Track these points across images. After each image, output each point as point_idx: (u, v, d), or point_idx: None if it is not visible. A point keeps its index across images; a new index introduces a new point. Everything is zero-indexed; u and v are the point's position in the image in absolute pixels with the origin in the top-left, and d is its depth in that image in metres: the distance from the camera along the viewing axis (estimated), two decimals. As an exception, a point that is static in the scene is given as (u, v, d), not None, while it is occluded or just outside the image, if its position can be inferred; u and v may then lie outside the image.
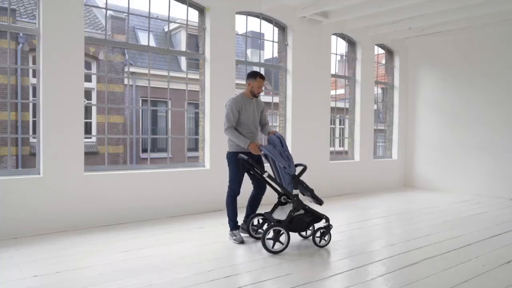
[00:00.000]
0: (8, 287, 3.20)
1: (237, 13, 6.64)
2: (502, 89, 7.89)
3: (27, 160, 12.90)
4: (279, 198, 4.55)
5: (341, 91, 16.37)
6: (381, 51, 9.48)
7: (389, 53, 9.46)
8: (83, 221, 5.05)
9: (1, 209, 4.54)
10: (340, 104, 10.46)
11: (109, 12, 13.86)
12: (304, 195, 4.48)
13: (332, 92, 12.82)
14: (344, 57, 9.10)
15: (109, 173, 5.45)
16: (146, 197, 5.60)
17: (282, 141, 4.29)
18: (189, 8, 6.29)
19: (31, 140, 13.04)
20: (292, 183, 4.26)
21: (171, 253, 4.09)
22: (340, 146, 10.37)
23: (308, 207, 4.34)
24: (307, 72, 7.54)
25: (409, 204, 7.26)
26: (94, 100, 14.42)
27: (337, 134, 16.15)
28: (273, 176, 4.47)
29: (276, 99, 8.20)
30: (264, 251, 4.12)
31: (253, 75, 4.53)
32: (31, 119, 12.82)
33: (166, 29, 17.50)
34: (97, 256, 3.96)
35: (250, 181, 4.67)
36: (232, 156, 4.48)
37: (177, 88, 15.41)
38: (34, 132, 5.52)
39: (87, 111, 13.94)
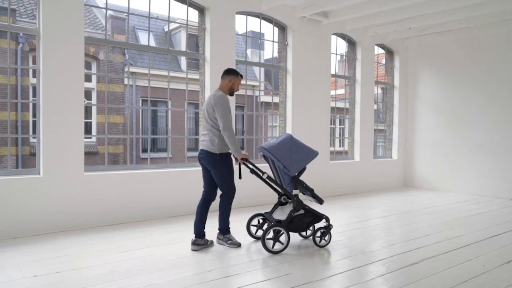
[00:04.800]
0: (8, 287, 3.20)
1: (237, 13, 6.64)
2: (502, 89, 7.89)
3: (27, 160, 12.91)
4: (279, 198, 4.55)
5: (341, 91, 16.38)
6: (381, 51, 9.48)
7: (389, 53, 9.46)
8: (83, 221, 5.06)
9: (1, 209, 4.54)
10: (340, 104, 10.46)
11: (109, 12, 13.89)
12: (304, 194, 4.49)
13: (332, 92, 12.83)
14: (344, 57, 9.10)
15: (109, 173, 5.45)
16: (146, 197, 5.60)
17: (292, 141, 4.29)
18: (189, 8, 6.29)
19: (31, 140, 13.04)
20: (292, 183, 4.27)
21: (171, 253, 4.09)
22: (340, 146, 10.38)
23: (308, 207, 4.34)
24: (307, 72, 7.54)
25: (409, 204, 7.26)
26: (94, 100, 14.43)
27: (337, 134, 16.17)
28: (273, 177, 4.47)
29: (276, 99, 8.20)
30: (264, 251, 4.13)
31: (235, 73, 4.37)
32: (31, 119, 12.83)
33: (166, 29, 17.50)
34: (97, 256, 3.95)
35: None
36: (227, 157, 4.27)
37: (177, 88, 15.44)
38: (34, 132, 5.52)
39: (87, 111, 13.94)
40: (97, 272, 3.52)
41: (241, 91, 5.55)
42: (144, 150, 15.96)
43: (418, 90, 9.33)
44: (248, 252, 4.23)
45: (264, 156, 4.48)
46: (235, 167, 4.33)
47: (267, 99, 19.16)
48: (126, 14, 6.19)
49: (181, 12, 37.51)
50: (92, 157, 13.72)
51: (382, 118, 15.57)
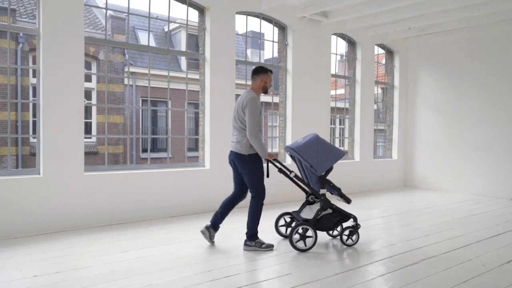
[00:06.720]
0: (8, 287, 3.20)
1: (237, 13, 6.64)
2: (502, 89, 7.89)
3: (27, 160, 12.91)
4: (307, 197, 4.61)
5: (341, 91, 16.39)
6: (381, 51, 9.48)
7: (389, 53, 9.46)
8: (83, 221, 5.05)
9: (1, 209, 4.54)
10: (340, 104, 10.46)
11: (109, 12, 13.89)
12: (332, 194, 4.53)
13: (332, 92, 12.83)
14: (344, 57, 9.10)
15: (109, 173, 5.44)
16: (146, 197, 5.60)
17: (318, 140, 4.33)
18: (189, 8, 6.29)
19: (31, 140, 13.04)
20: (319, 183, 4.31)
21: (171, 253, 4.09)
22: (340, 146, 10.39)
23: (336, 206, 4.39)
24: (307, 72, 7.54)
25: (409, 204, 7.26)
26: (94, 100, 14.43)
27: (337, 134, 16.17)
28: (300, 176, 4.51)
29: (276, 99, 8.20)
30: (262, 251, 4.14)
31: (265, 70, 4.31)
32: (31, 119, 12.83)
33: (166, 29, 17.51)
34: (97, 256, 3.95)
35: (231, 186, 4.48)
36: (256, 158, 4.18)
37: (177, 88, 15.44)
38: (34, 132, 5.52)
39: (87, 111, 13.94)
40: (97, 272, 3.52)
41: (241, 91, 5.54)
42: (144, 150, 15.96)
43: (418, 90, 9.33)
44: (248, 252, 4.22)
45: (291, 156, 4.53)
46: (264, 165, 4.34)
47: (267, 99, 19.13)
48: (126, 14, 6.19)
49: (181, 12, 37.53)
50: (92, 157, 13.72)
51: (382, 118, 15.58)
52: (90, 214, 5.12)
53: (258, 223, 4.25)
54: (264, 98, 19.94)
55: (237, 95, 6.84)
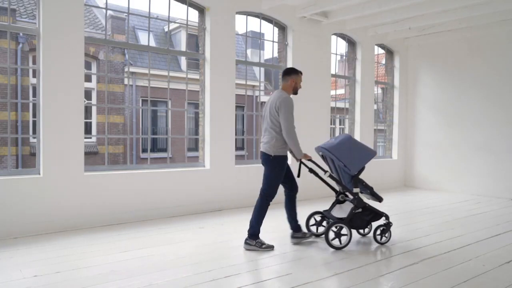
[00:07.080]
0: (8, 287, 3.20)
1: (237, 13, 6.64)
2: (502, 89, 7.89)
3: (27, 160, 12.91)
4: (337, 196, 4.67)
5: (341, 91, 16.38)
6: (381, 51, 9.48)
7: (389, 53, 9.46)
8: (83, 221, 5.05)
9: (1, 209, 4.54)
10: (340, 104, 10.46)
11: (109, 12, 13.89)
12: (362, 193, 4.59)
13: (332, 92, 12.83)
14: (344, 57, 9.10)
15: (109, 173, 5.45)
16: (146, 197, 5.60)
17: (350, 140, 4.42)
18: (189, 8, 6.29)
19: (31, 140, 13.05)
20: (352, 182, 4.37)
21: (171, 253, 4.09)
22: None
23: (368, 204, 4.45)
24: (307, 72, 7.50)
25: (409, 204, 7.26)
26: (94, 100, 14.43)
27: (337, 134, 16.18)
28: (333, 175, 4.56)
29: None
30: (260, 251, 4.15)
31: (296, 71, 4.36)
32: (31, 119, 12.83)
33: (166, 29, 17.51)
34: (97, 256, 3.95)
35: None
36: (282, 160, 4.24)
37: (177, 88, 15.44)
38: (34, 132, 5.52)
39: (87, 111, 13.94)
40: (97, 272, 3.52)
41: (241, 91, 5.55)
42: (144, 150, 15.96)
43: (418, 90, 9.33)
44: (248, 252, 4.22)
45: (322, 156, 4.59)
46: (296, 164, 4.39)
47: (267, 99, 19.15)
48: (126, 14, 6.19)
49: (181, 12, 37.55)
50: (92, 157, 13.73)
51: (382, 118, 15.57)
52: (90, 214, 5.12)
53: (261, 222, 4.27)
54: (264, 98, 20.01)
55: (237, 95, 6.87)
